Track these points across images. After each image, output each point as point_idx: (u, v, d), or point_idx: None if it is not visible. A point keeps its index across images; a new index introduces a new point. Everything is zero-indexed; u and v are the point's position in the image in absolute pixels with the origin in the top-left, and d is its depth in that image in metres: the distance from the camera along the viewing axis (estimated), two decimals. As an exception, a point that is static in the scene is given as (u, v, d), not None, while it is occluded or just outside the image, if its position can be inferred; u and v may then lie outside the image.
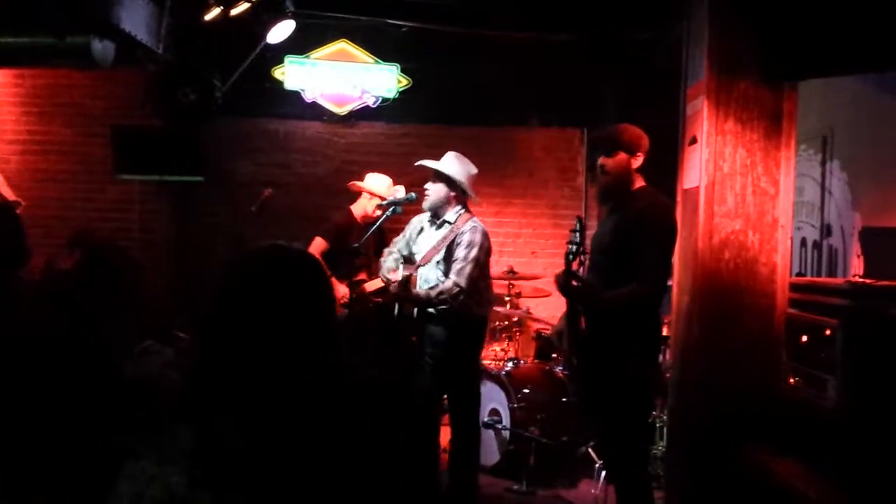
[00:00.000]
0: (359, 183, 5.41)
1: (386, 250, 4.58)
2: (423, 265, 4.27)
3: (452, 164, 4.29)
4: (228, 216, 6.53)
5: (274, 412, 1.40)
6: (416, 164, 4.35)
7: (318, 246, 5.14)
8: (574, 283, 3.33)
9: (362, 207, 5.36)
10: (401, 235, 4.55)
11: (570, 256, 3.31)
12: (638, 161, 3.42)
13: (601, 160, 3.47)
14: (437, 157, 6.28)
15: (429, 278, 4.24)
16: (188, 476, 1.35)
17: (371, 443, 1.51)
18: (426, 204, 4.30)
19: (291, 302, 1.48)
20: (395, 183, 5.46)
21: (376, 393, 1.59)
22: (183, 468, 1.35)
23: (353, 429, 1.48)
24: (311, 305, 1.50)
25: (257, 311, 1.45)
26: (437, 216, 4.31)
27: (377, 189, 5.31)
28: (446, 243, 4.20)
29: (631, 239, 3.30)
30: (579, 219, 3.42)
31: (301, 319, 1.47)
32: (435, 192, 4.25)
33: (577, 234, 3.32)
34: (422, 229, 4.42)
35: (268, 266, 1.52)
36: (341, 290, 4.82)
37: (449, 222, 4.27)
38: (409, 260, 4.44)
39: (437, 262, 4.23)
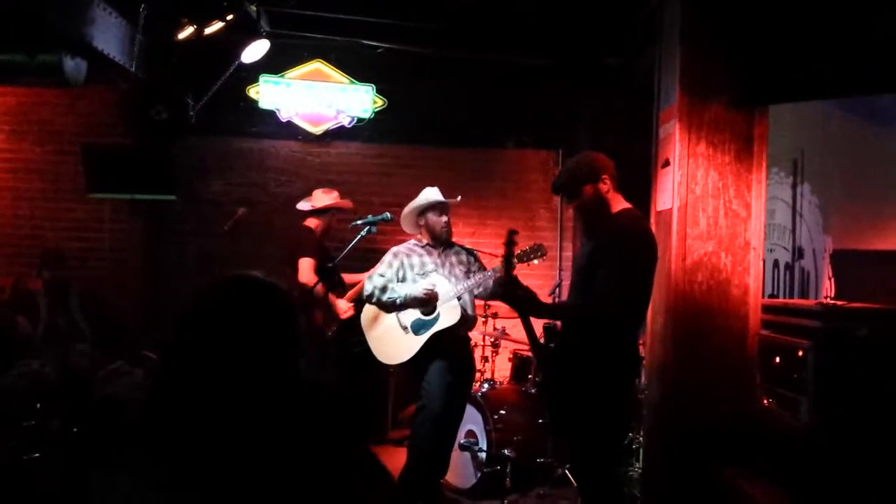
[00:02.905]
0: (321, 200, 5.51)
1: (377, 279, 4.46)
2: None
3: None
4: (200, 235, 6.47)
5: (236, 430, 1.43)
6: (457, 199, 4.65)
7: (310, 265, 5.12)
8: (515, 290, 3.29)
9: (320, 223, 5.48)
10: (387, 268, 4.48)
11: (506, 268, 3.28)
12: (606, 183, 3.26)
13: (573, 205, 3.38)
14: (412, 178, 6.36)
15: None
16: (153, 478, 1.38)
17: (331, 456, 1.52)
18: (443, 235, 4.52)
19: (258, 331, 1.51)
20: (372, 203, 5.56)
21: (337, 408, 1.60)
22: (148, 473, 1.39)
23: (312, 444, 1.51)
24: (277, 334, 1.53)
25: (224, 340, 1.48)
26: (444, 242, 4.54)
27: (329, 201, 5.50)
28: (472, 258, 4.59)
29: (602, 261, 3.26)
30: (511, 232, 3.36)
31: (266, 346, 1.51)
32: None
33: (509, 246, 3.30)
34: (418, 261, 4.47)
35: (236, 297, 1.54)
36: (344, 305, 5.09)
37: (452, 243, 4.59)
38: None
39: (458, 279, 4.44)
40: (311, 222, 5.47)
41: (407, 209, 4.57)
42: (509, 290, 3.29)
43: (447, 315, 4.33)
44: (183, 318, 1.50)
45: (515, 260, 3.37)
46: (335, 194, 5.60)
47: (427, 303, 4.33)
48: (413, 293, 4.31)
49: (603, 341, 3.18)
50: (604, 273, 3.16)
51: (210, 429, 1.43)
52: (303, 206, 5.61)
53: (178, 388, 1.46)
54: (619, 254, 3.16)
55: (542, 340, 3.55)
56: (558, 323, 3.57)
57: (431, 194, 4.55)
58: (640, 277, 3.21)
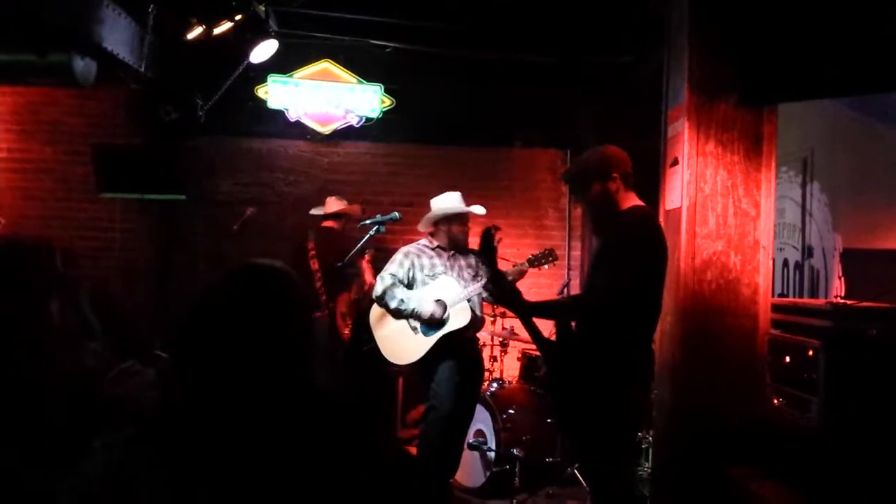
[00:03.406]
0: (330, 210, 5.74)
1: (388, 278, 4.44)
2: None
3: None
4: (210, 235, 6.50)
5: (245, 426, 1.43)
6: (483, 212, 4.63)
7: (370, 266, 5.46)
8: (497, 285, 3.25)
9: (336, 225, 5.76)
10: (398, 268, 4.45)
11: (488, 267, 3.23)
12: (615, 182, 3.18)
13: (580, 199, 3.38)
14: (420, 177, 6.38)
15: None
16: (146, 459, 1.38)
17: (339, 456, 1.53)
18: (463, 244, 4.53)
19: (269, 320, 1.50)
20: (381, 202, 5.64)
21: (344, 408, 1.61)
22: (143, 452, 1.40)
23: (320, 441, 1.50)
24: (288, 322, 1.53)
25: (235, 330, 1.47)
26: (459, 249, 4.55)
27: (341, 206, 5.78)
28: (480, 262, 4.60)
29: (606, 258, 3.22)
30: (488, 228, 3.27)
31: (277, 336, 1.50)
32: None
33: (486, 242, 3.23)
34: (428, 262, 4.47)
35: (247, 285, 1.54)
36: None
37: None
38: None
39: (467, 282, 4.44)
40: (331, 224, 5.64)
41: (436, 212, 4.49)
42: (497, 288, 3.27)
43: (457, 317, 4.34)
44: (197, 307, 1.50)
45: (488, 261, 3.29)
46: (345, 201, 5.80)
47: (431, 323, 4.33)
48: (421, 311, 4.31)
49: (614, 340, 3.13)
50: (603, 269, 3.12)
51: (220, 425, 1.43)
52: (316, 211, 5.74)
53: (189, 380, 1.46)
54: (619, 249, 3.10)
55: (552, 337, 3.51)
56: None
57: (457, 201, 4.53)
58: (639, 273, 3.09)
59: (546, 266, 4.49)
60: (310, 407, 1.53)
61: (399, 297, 4.34)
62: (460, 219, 4.50)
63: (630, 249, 3.09)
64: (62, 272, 3.33)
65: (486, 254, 3.22)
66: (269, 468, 1.42)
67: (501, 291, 3.27)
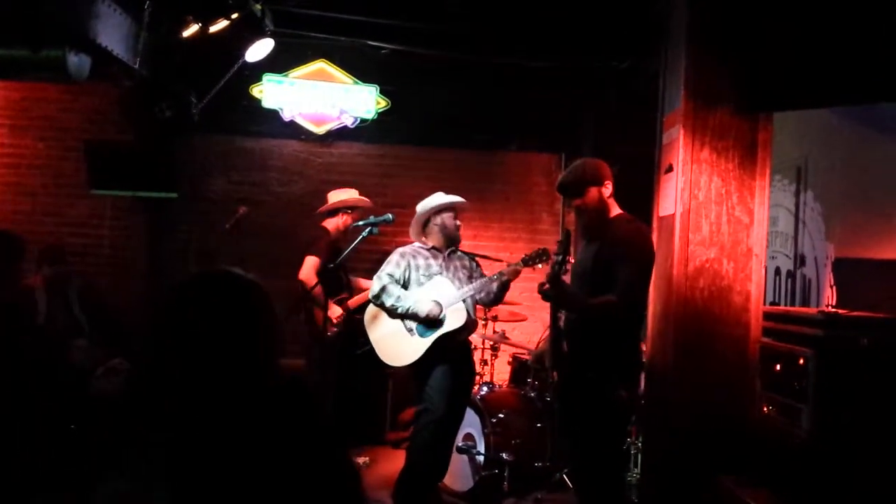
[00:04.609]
0: (332, 200, 5.54)
1: (385, 278, 4.40)
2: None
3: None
4: (202, 233, 6.47)
5: (206, 423, 1.48)
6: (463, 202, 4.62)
7: (313, 265, 5.18)
8: (547, 286, 3.29)
9: (335, 223, 5.51)
10: (395, 268, 4.43)
11: (557, 267, 3.28)
12: (608, 189, 3.44)
13: (576, 203, 3.49)
14: (414, 179, 6.33)
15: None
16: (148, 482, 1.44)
17: (299, 452, 1.55)
18: (457, 237, 4.53)
19: (228, 326, 1.55)
20: (374, 204, 5.62)
21: (310, 405, 1.64)
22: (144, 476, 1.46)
23: (280, 439, 1.53)
24: (247, 327, 1.57)
25: (194, 333, 1.52)
26: (453, 244, 4.53)
27: (347, 198, 5.54)
28: (474, 264, 4.61)
29: (611, 262, 3.30)
30: (567, 232, 3.45)
31: (237, 340, 1.55)
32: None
33: (563, 245, 3.32)
34: (424, 263, 4.44)
35: (204, 292, 1.58)
36: (336, 311, 5.15)
37: (456, 248, 4.56)
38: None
39: (462, 283, 4.43)
40: (328, 223, 5.52)
41: (424, 207, 4.51)
42: (556, 284, 3.29)
43: (453, 317, 4.32)
44: (157, 313, 1.55)
45: (557, 267, 3.36)
46: (351, 192, 5.60)
47: (426, 321, 4.31)
48: (417, 309, 4.28)
49: (612, 342, 3.30)
50: (624, 273, 3.26)
51: (181, 422, 1.47)
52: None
53: (153, 382, 1.50)
54: (634, 254, 3.31)
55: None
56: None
57: (443, 195, 4.54)
58: (648, 275, 3.39)
59: (540, 265, 4.48)
60: (273, 406, 1.56)
61: (396, 294, 4.33)
62: (450, 210, 4.50)
63: (647, 256, 3.40)
64: None
65: (562, 252, 3.33)
66: (234, 464, 1.44)
67: (560, 287, 3.31)
